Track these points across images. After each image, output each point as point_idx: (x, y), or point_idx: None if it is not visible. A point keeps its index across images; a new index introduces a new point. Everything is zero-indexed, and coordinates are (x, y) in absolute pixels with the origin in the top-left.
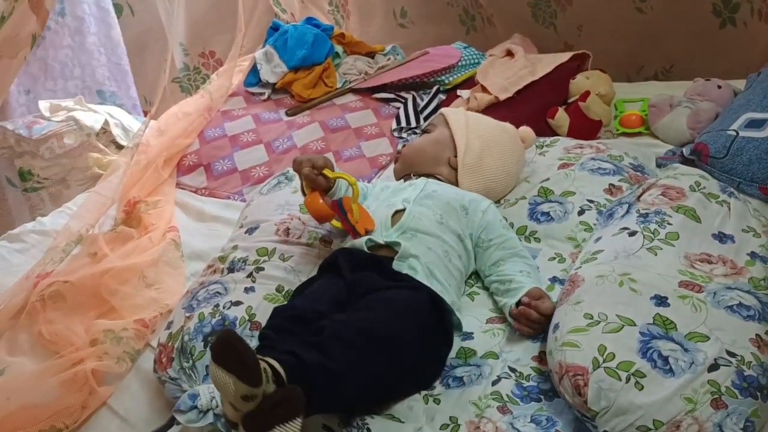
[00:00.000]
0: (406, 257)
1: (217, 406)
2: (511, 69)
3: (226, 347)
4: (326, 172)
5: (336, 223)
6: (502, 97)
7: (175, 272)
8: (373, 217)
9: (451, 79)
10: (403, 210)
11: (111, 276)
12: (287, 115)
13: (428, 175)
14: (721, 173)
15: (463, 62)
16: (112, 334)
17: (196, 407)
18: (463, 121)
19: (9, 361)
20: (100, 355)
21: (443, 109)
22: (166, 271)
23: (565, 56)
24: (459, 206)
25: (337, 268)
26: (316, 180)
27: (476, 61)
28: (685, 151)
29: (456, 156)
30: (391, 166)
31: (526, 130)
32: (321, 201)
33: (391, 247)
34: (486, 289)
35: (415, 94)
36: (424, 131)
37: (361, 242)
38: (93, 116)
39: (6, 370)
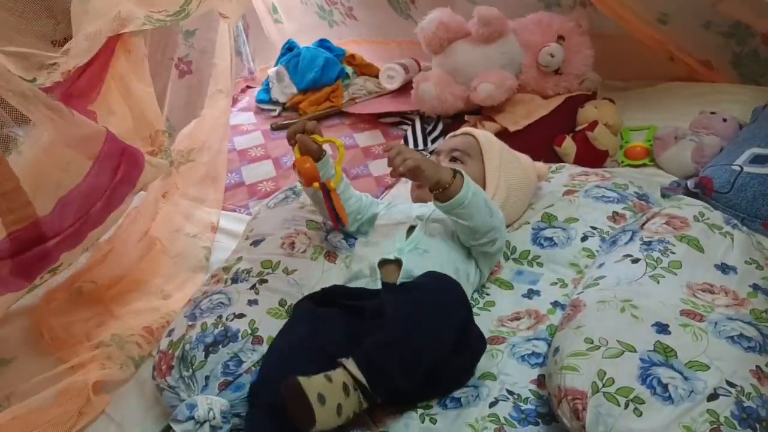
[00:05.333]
0: (409, 277)
1: (214, 418)
2: (522, 101)
3: (290, 398)
4: (315, 137)
5: (317, 185)
6: (512, 129)
7: (195, 277)
8: (385, 229)
9: None
10: (416, 226)
11: (127, 281)
12: (272, 129)
13: None
14: (725, 208)
15: None
16: (118, 338)
17: (193, 417)
18: (497, 162)
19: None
20: (103, 360)
21: (479, 136)
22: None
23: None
24: None
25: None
26: (309, 144)
27: None
28: (690, 184)
29: None
30: (397, 187)
31: (542, 168)
32: (309, 165)
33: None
34: (485, 309)
35: (420, 115)
36: (455, 158)
37: (373, 262)
38: None
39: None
